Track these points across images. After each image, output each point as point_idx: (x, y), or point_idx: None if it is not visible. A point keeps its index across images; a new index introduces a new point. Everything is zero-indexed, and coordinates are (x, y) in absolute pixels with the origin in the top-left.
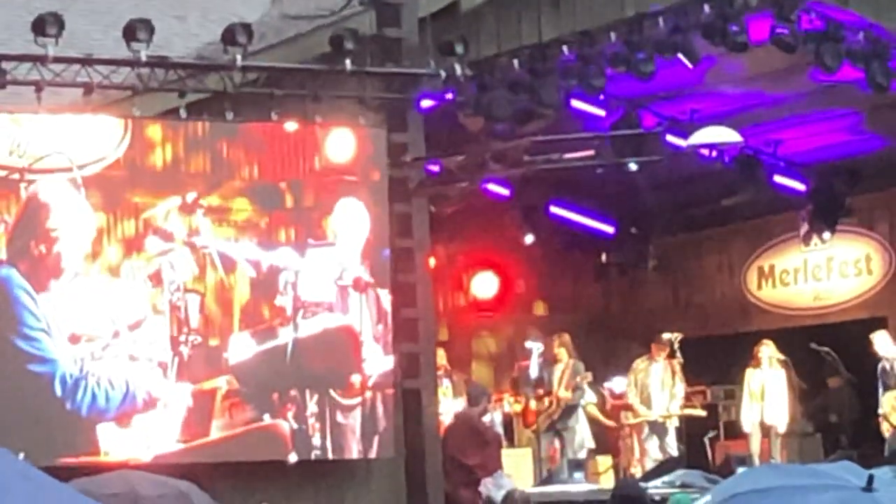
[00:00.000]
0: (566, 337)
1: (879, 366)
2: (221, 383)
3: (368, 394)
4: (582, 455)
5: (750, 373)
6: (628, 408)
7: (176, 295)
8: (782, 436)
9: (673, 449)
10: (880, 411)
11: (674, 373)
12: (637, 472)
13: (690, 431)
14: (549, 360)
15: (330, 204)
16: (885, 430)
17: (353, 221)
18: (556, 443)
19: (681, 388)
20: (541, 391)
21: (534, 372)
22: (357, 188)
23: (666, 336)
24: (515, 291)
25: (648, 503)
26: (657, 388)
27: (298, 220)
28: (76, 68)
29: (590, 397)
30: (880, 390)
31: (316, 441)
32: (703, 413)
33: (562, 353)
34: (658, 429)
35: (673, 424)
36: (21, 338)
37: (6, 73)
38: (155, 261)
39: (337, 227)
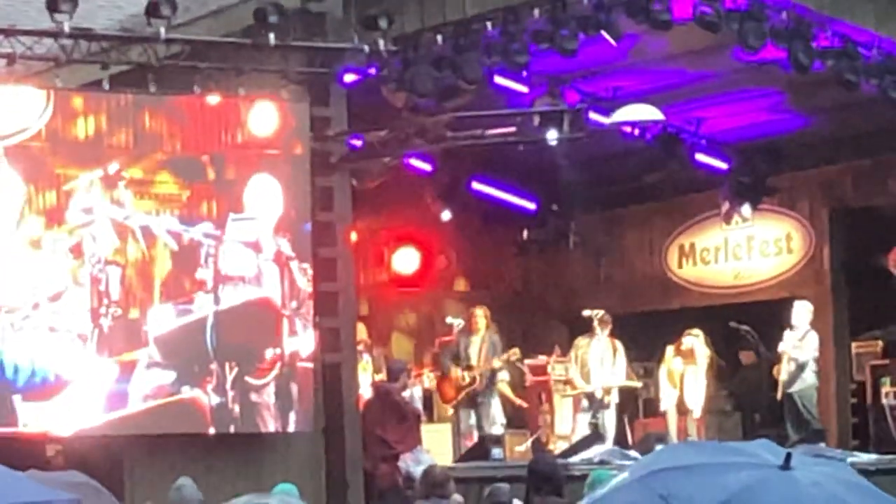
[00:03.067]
0: (486, 309)
1: (785, 334)
2: (141, 356)
3: (287, 367)
4: (497, 431)
5: (671, 356)
6: (554, 383)
7: (97, 267)
8: (699, 417)
9: (610, 427)
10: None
11: (615, 350)
12: (558, 447)
13: None
14: (466, 332)
15: (249, 178)
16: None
17: (267, 196)
18: (473, 417)
19: (622, 363)
20: (462, 365)
21: (462, 346)
22: (279, 162)
23: (586, 313)
24: (436, 267)
25: (562, 479)
26: (597, 363)
27: (220, 194)
28: None
29: (503, 375)
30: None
31: (235, 414)
32: (639, 384)
33: (481, 323)
34: (597, 404)
35: (613, 401)
36: None
37: None
38: (76, 233)
39: (252, 202)
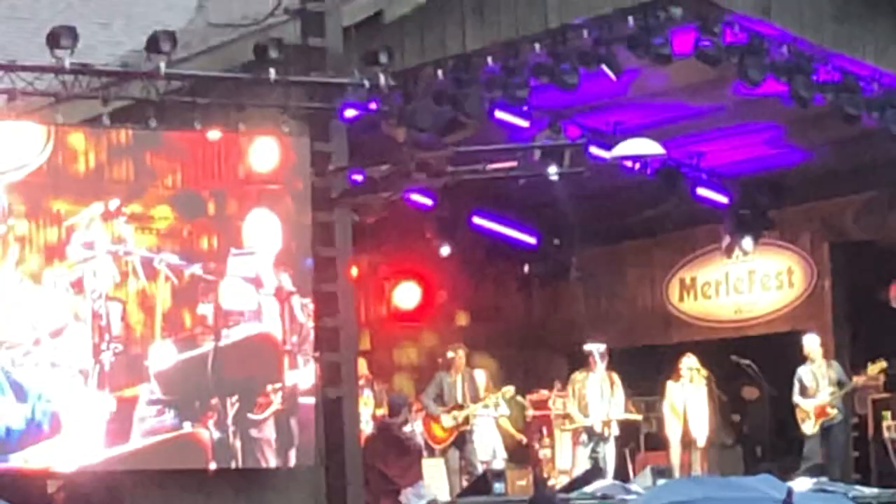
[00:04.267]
0: (462, 346)
1: (800, 370)
2: (142, 391)
3: (288, 402)
4: (499, 465)
5: (671, 386)
6: (555, 418)
7: (98, 303)
8: (702, 448)
9: (609, 460)
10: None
11: (612, 383)
12: (559, 482)
13: None
14: (445, 371)
15: (249, 213)
16: (808, 428)
17: (266, 231)
18: (457, 455)
19: (620, 396)
20: (448, 406)
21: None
22: (279, 197)
23: (588, 347)
24: (437, 302)
25: None
26: (595, 397)
27: (220, 229)
28: None
29: (503, 410)
30: (796, 397)
31: (236, 449)
32: (639, 417)
33: (461, 361)
34: (596, 437)
35: (613, 434)
36: None
37: None
38: (77, 268)
39: (252, 237)
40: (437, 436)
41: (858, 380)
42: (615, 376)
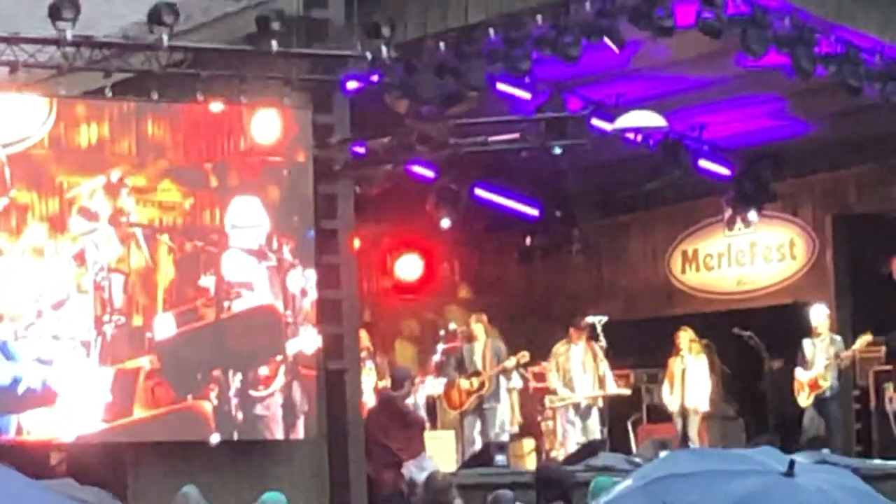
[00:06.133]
0: (483, 316)
1: (804, 342)
2: (145, 363)
3: (290, 374)
4: (504, 438)
5: (672, 361)
6: (552, 391)
7: (100, 275)
8: (705, 419)
9: (595, 432)
10: (800, 380)
11: (595, 355)
12: (560, 455)
13: (613, 415)
14: (467, 340)
15: (251, 185)
16: (803, 400)
17: (267, 206)
18: (478, 423)
19: (605, 368)
20: (468, 372)
21: (466, 353)
22: (281, 169)
23: (589, 319)
24: (439, 274)
25: (571, 485)
26: (579, 370)
27: (223, 201)
28: (1, 47)
29: (515, 382)
30: (798, 368)
31: (238, 421)
32: (628, 392)
33: (479, 330)
34: (582, 412)
35: (597, 407)
36: None
37: None
38: (79, 240)
39: (253, 210)
40: (453, 400)
41: (845, 354)
42: (597, 348)
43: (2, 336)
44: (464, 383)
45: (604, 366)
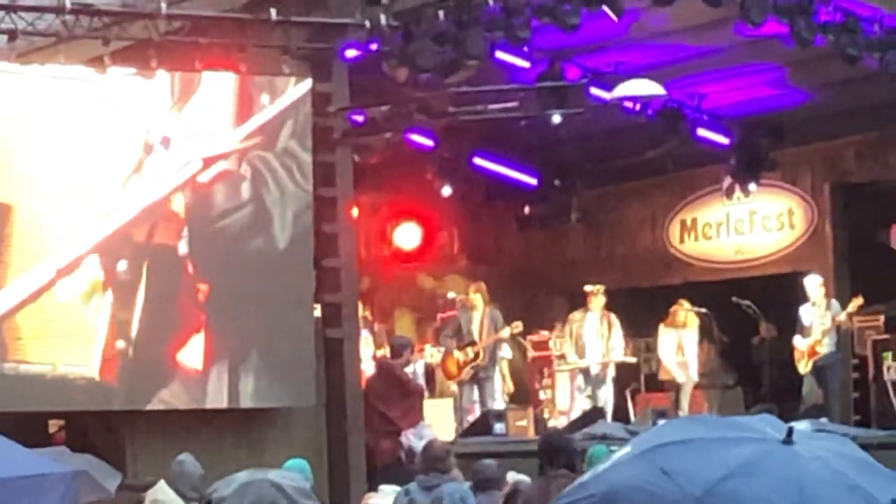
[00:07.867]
0: (482, 285)
1: (801, 309)
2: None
3: (291, 342)
4: (500, 406)
5: (664, 329)
6: (555, 358)
7: None
8: (704, 388)
9: (601, 401)
10: (798, 347)
11: (610, 324)
12: (559, 423)
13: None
14: (465, 309)
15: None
16: (802, 368)
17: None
18: (476, 393)
19: (618, 337)
20: (464, 342)
21: (463, 322)
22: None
23: (588, 288)
24: (438, 242)
25: (575, 452)
26: (592, 338)
27: None
28: (0, 14)
29: (506, 353)
30: (796, 336)
31: (237, 390)
32: (635, 360)
33: (477, 299)
34: (593, 379)
35: (610, 374)
36: None
37: None
38: None
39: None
40: (450, 370)
41: (840, 318)
42: (613, 317)
43: None
44: (458, 354)
45: (618, 335)
